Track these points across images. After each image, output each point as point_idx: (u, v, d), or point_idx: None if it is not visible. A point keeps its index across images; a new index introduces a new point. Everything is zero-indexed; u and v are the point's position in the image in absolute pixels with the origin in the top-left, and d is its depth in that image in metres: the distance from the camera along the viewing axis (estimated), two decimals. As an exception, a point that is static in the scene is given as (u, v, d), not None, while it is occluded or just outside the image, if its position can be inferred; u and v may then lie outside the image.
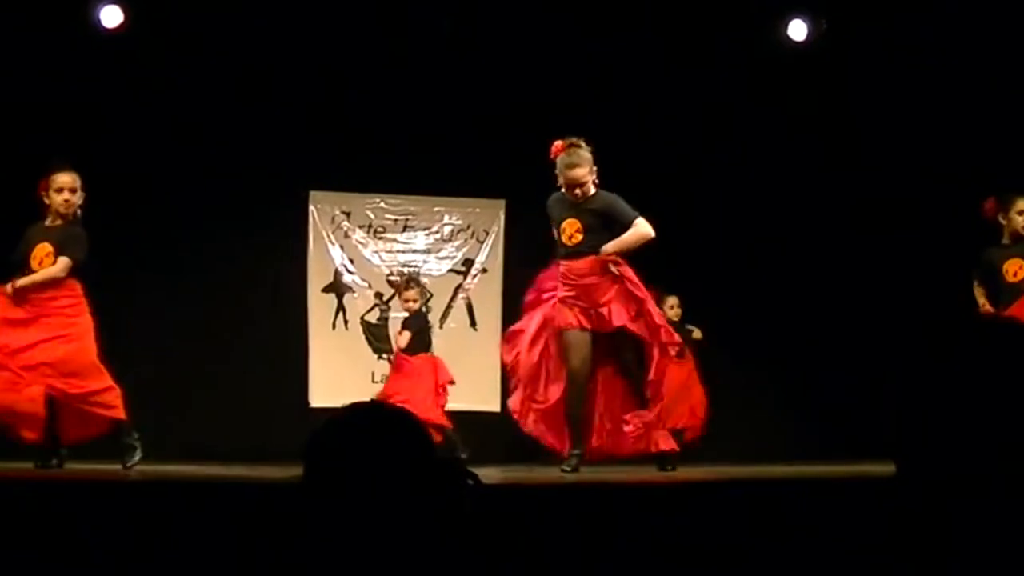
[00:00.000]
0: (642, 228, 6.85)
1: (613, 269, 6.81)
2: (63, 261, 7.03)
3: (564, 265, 6.95)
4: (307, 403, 10.19)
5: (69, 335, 7.08)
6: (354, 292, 10.52)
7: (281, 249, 10.46)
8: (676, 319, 9.80)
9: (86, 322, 7.21)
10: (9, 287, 6.97)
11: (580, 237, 6.88)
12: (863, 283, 10.31)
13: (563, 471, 6.57)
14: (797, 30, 10.01)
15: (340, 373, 10.15)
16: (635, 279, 6.89)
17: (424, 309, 9.99)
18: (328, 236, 10.61)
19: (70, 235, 7.10)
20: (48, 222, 7.15)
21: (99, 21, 9.45)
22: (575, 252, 6.91)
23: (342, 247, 10.64)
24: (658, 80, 10.14)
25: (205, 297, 10.05)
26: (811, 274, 10.36)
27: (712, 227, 10.42)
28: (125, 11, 9.45)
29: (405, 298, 9.56)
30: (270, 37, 9.80)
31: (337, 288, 10.61)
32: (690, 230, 10.03)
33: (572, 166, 6.81)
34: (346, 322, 10.48)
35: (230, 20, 9.65)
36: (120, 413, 7.23)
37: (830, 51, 10.09)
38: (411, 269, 10.31)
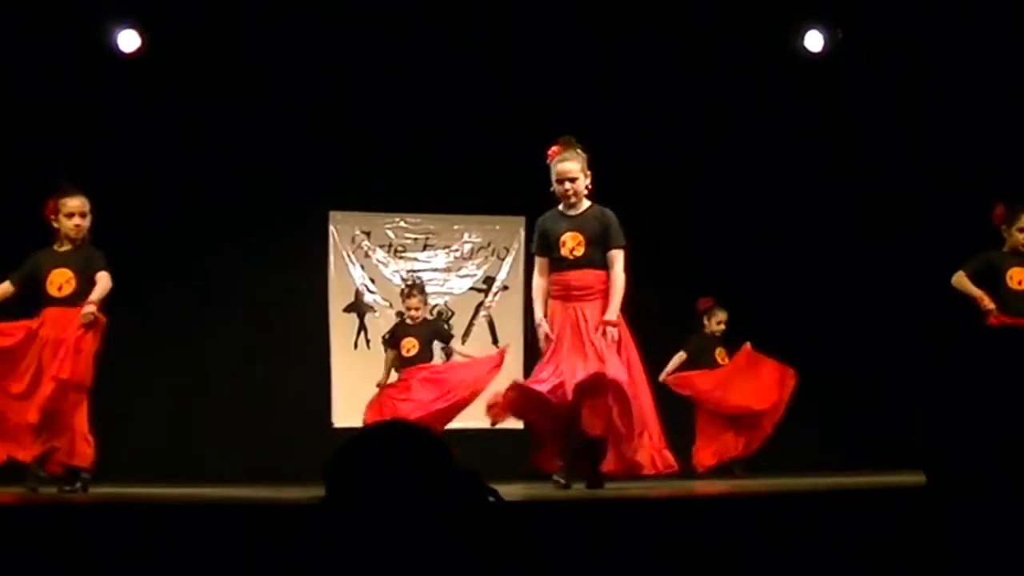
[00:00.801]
0: (621, 270, 6.69)
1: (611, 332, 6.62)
2: (105, 275, 6.97)
3: (565, 276, 6.74)
4: (330, 423, 10.20)
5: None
6: (375, 311, 10.54)
7: (302, 269, 10.48)
8: (718, 334, 9.85)
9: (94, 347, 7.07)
10: (90, 311, 6.88)
11: (582, 251, 6.71)
12: (888, 290, 10.29)
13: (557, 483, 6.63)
14: (813, 41, 10.07)
15: (363, 392, 10.12)
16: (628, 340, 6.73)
17: (430, 316, 9.88)
18: (348, 256, 10.63)
19: (92, 255, 7.03)
20: (58, 247, 7.08)
21: (117, 46, 9.51)
22: (577, 264, 6.72)
23: (362, 267, 10.66)
24: (681, 93, 10.17)
25: (226, 318, 10.06)
26: (836, 281, 10.37)
27: (734, 234, 10.44)
28: (142, 35, 9.51)
29: (407, 306, 9.40)
30: (290, 59, 9.83)
31: (358, 308, 10.62)
32: (708, 237, 10.05)
33: (563, 160, 6.70)
34: (368, 341, 10.48)
35: (250, 42, 9.68)
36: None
37: (847, 59, 10.10)
38: (415, 277, 10.25)
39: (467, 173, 10.27)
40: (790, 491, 5.94)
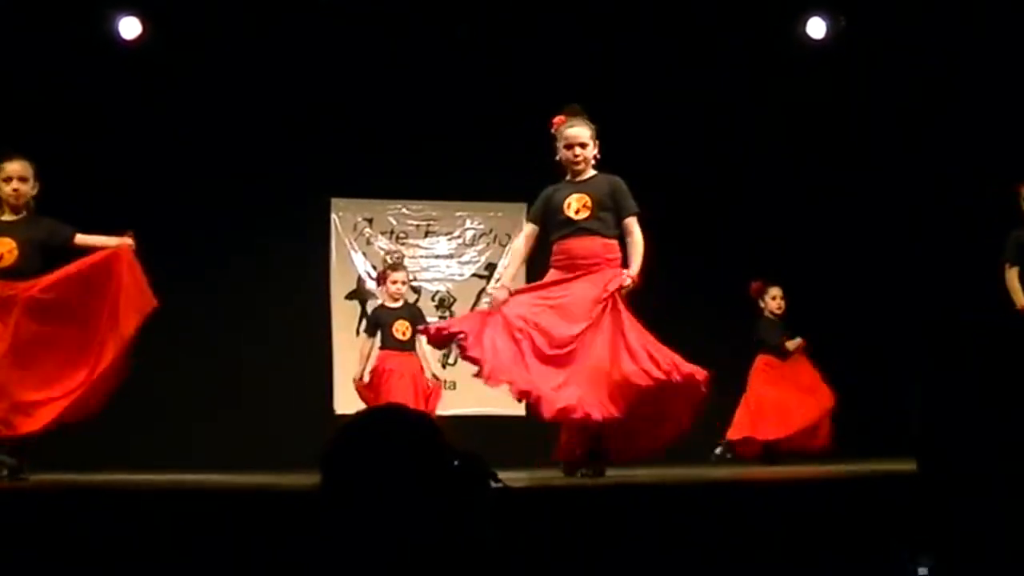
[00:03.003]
0: (640, 234, 6.30)
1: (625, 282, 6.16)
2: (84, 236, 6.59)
3: (568, 244, 6.32)
4: (332, 410, 10.19)
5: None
6: (377, 299, 10.52)
7: (304, 257, 10.47)
8: (778, 312, 9.60)
9: None
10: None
11: (588, 212, 6.30)
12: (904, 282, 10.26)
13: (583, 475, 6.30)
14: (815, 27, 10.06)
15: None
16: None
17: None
18: (350, 243, 10.62)
19: (46, 226, 6.56)
20: (2, 215, 6.55)
21: (118, 32, 9.49)
22: (581, 229, 6.31)
23: (365, 254, 10.65)
24: (679, 87, 10.15)
25: (228, 306, 10.07)
26: (842, 269, 10.34)
27: (737, 234, 10.42)
28: (143, 22, 9.49)
29: (394, 280, 9.04)
30: (292, 47, 9.81)
31: (360, 295, 10.61)
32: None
33: (572, 125, 6.39)
34: (363, 329, 10.47)
35: (252, 30, 9.67)
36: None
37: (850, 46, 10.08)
38: (396, 257, 10.16)
39: (469, 160, 10.25)
40: (802, 479, 5.93)
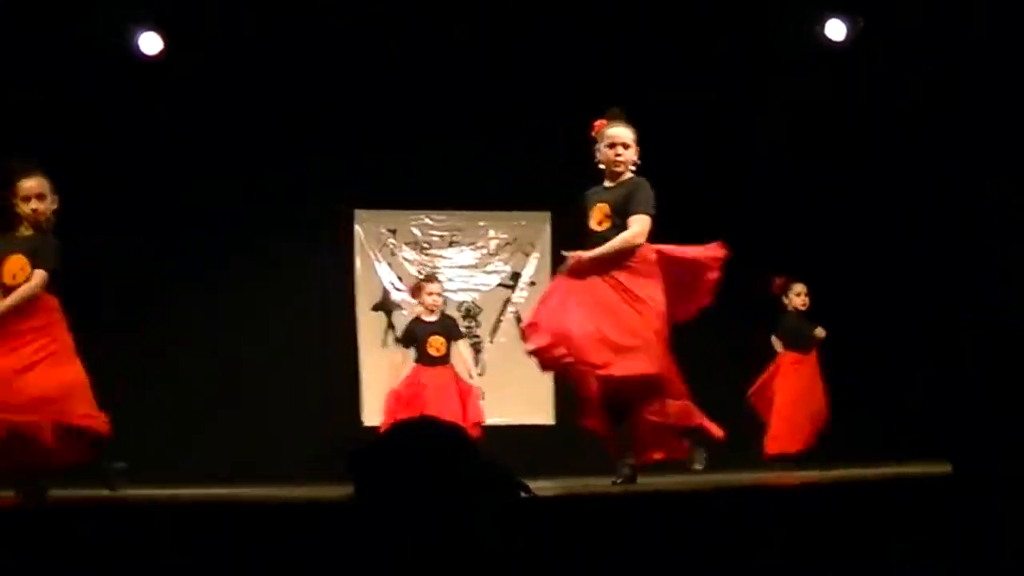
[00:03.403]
0: (633, 228, 6.25)
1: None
2: (39, 274, 6.24)
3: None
4: (360, 421, 10.20)
5: (54, 355, 6.26)
6: (403, 309, 10.52)
7: (328, 269, 10.49)
8: (803, 308, 9.53)
9: (69, 341, 6.36)
10: None
11: (608, 223, 6.31)
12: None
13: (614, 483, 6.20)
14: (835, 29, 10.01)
15: (391, 390, 10.16)
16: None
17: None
18: (375, 254, 10.63)
19: (41, 245, 6.32)
20: (18, 232, 6.33)
21: (139, 48, 9.54)
22: (601, 237, 6.31)
23: (389, 265, 10.66)
24: (696, 88, 10.12)
25: (254, 318, 10.09)
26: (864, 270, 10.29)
27: (747, 234, 10.39)
28: (164, 38, 9.53)
29: (429, 292, 8.95)
30: (313, 58, 9.83)
31: (386, 306, 10.62)
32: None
33: (615, 126, 6.37)
34: (396, 339, 10.47)
35: (274, 41, 9.69)
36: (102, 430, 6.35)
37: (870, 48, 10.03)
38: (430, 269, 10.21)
39: (491, 169, 10.24)
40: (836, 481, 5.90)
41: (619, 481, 6.20)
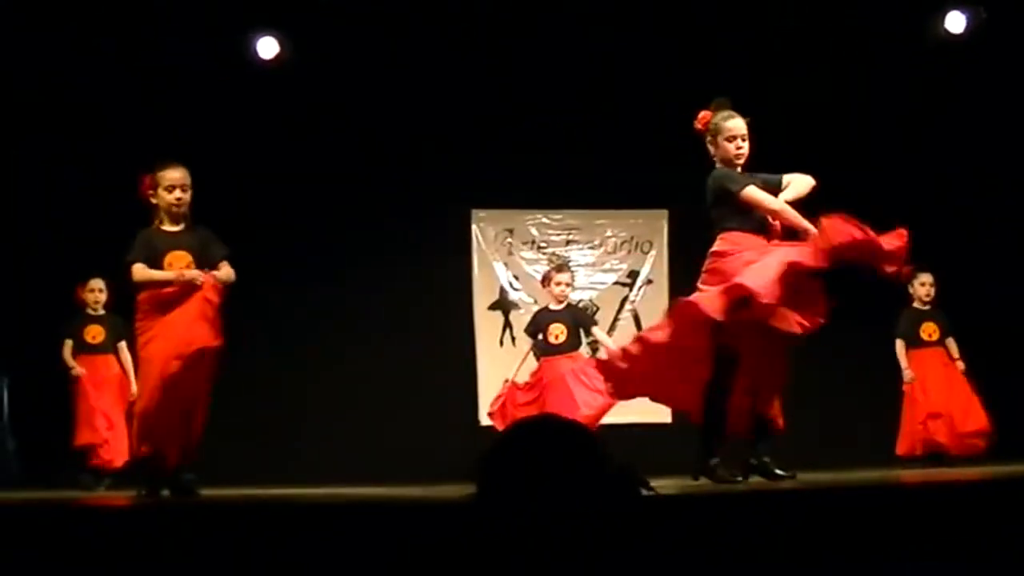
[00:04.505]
0: (755, 194, 6.11)
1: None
2: (228, 267, 6.28)
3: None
4: (477, 421, 10.23)
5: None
6: (520, 308, 10.54)
7: (446, 268, 10.53)
8: (928, 301, 9.26)
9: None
10: (212, 278, 6.18)
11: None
12: None
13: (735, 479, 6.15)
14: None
15: (510, 390, 10.16)
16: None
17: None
18: (492, 254, 10.66)
19: (210, 239, 6.32)
20: (165, 226, 6.30)
21: (256, 52, 9.69)
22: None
23: (506, 264, 10.68)
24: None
25: (372, 318, 10.19)
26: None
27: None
28: (281, 43, 9.67)
29: (558, 282, 8.88)
30: (432, 59, 9.89)
31: (503, 305, 10.64)
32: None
33: (732, 117, 6.19)
34: (513, 339, 10.48)
35: (391, 43, 9.77)
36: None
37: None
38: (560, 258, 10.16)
39: (608, 168, 10.22)
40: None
41: (740, 478, 6.16)
